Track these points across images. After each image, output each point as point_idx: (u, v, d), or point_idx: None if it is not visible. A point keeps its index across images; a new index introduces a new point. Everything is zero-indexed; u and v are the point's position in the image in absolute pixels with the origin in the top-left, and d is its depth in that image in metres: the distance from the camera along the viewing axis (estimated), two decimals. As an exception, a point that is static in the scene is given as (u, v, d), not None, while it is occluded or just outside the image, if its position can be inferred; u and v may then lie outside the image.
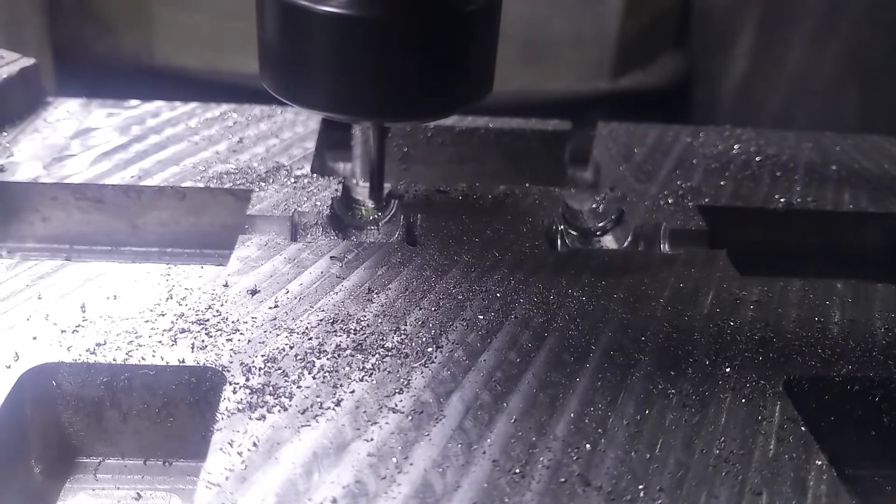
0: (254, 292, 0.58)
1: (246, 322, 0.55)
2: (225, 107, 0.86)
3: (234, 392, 0.48)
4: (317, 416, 0.47)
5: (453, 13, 0.58)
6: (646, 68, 1.44)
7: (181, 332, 0.53)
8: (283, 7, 0.57)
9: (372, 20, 0.55)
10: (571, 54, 1.39)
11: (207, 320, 0.55)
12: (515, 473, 0.44)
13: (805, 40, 1.31)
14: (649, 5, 1.41)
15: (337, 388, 0.49)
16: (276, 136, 0.80)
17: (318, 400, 0.48)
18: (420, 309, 0.57)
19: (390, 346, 0.53)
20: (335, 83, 0.58)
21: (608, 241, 0.73)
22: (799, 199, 0.75)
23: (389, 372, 0.51)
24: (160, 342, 0.53)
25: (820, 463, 0.47)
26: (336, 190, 0.70)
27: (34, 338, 0.52)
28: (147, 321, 0.54)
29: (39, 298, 0.56)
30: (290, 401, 0.48)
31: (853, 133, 0.90)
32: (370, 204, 0.71)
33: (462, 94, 0.62)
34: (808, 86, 1.32)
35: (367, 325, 0.55)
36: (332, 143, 0.86)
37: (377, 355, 0.52)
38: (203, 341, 0.53)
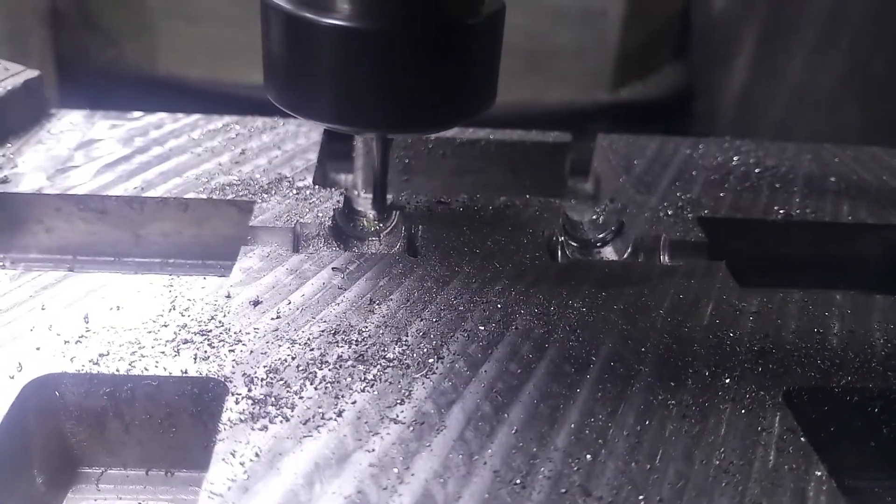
0: (256, 303, 0.58)
1: (248, 333, 0.55)
2: (228, 118, 0.86)
3: (237, 402, 0.49)
4: (318, 426, 0.47)
5: (456, 25, 0.58)
6: (646, 80, 1.44)
7: (184, 343, 0.54)
8: (288, 19, 0.57)
9: (376, 32, 0.56)
10: (572, 65, 1.39)
11: (210, 331, 0.55)
12: (516, 484, 0.44)
13: (805, 52, 1.31)
14: (650, 17, 1.42)
15: (338, 398, 0.50)
16: (278, 148, 0.81)
17: (320, 410, 0.49)
18: (421, 320, 0.57)
19: (392, 356, 0.54)
20: (339, 95, 0.58)
21: (608, 253, 0.73)
22: (798, 211, 0.75)
23: (391, 383, 0.51)
24: (163, 353, 0.53)
25: (820, 474, 0.47)
26: (338, 201, 0.71)
27: (37, 348, 0.53)
28: (150, 332, 0.55)
29: (43, 309, 0.57)
30: (292, 411, 0.48)
31: (853, 145, 0.91)
32: (372, 215, 0.72)
33: (465, 106, 0.62)
34: (809, 98, 1.33)
35: (369, 335, 0.55)
36: (334, 154, 0.86)
37: (378, 366, 0.53)
38: (206, 352, 0.53)
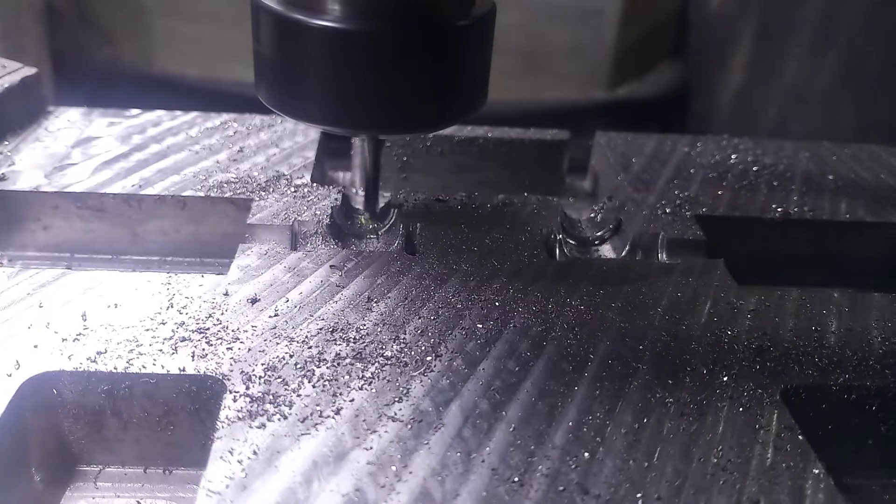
0: (254, 301, 0.58)
1: (246, 331, 0.55)
2: (225, 116, 0.86)
3: (235, 400, 0.49)
4: (316, 424, 0.47)
5: (446, 27, 0.58)
6: (643, 78, 1.44)
7: (182, 341, 0.54)
8: (278, 21, 0.57)
9: (365, 34, 0.56)
10: (569, 64, 1.39)
11: (208, 329, 0.55)
12: (514, 482, 0.45)
13: (802, 51, 1.32)
14: (646, 16, 1.42)
15: (336, 396, 0.50)
16: (276, 146, 0.81)
17: (318, 408, 0.49)
18: (419, 318, 0.57)
19: (389, 354, 0.54)
20: (329, 96, 0.58)
21: (606, 251, 0.73)
22: (796, 209, 0.75)
23: (389, 381, 0.51)
24: (161, 351, 0.53)
25: (817, 472, 0.47)
26: (336, 199, 0.71)
27: (35, 346, 0.53)
28: (148, 330, 0.55)
29: (40, 307, 0.57)
30: (290, 409, 0.48)
31: (849, 143, 0.91)
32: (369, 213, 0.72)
33: (456, 107, 0.62)
34: (805, 96, 1.33)
35: (367, 333, 0.55)
36: (331, 152, 0.86)
37: (376, 364, 0.53)
38: (203, 350, 0.53)
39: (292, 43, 0.57)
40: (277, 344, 0.54)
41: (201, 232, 0.72)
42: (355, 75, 0.57)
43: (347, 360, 0.53)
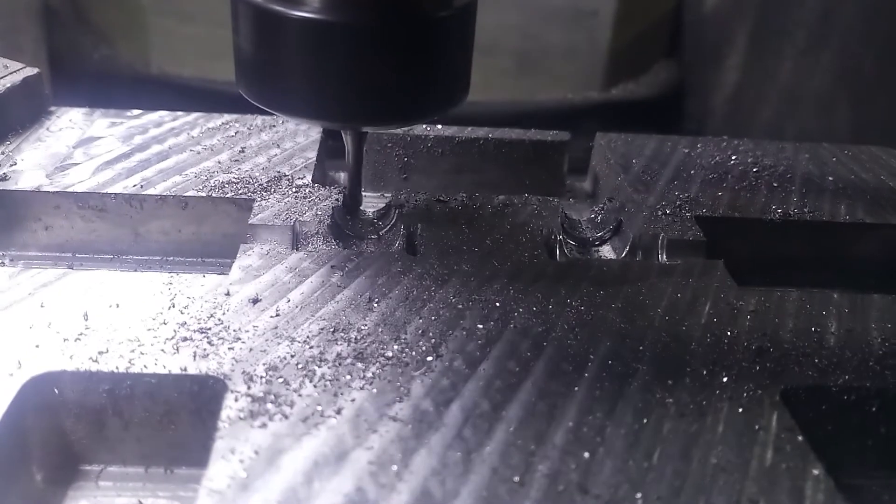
0: (255, 301, 0.58)
1: (247, 330, 0.55)
2: (227, 116, 0.87)
3: (236, 400, 0.49)
4: (318, 424, 0.47)
5: (426, 19, 0.58)
6: (638, 79, 1.44)
7: (183, 341, 0.54)
8: (257, 12, 0.57)
9: (344, 25, 0.55)
10: (564, 65, 1.39)
11: (209, 329, 0.55)
12: (514, 482, 0.45)
13: (797, 52, 1.32)
14: (641, 16, 1.42)
15: (337, 396, 0.50)
16: (277, 146, 0.81)
17: (319, 408, 0.49)
18: (420, 318, 0.57)
19: (390, 354, 0.54)
20: (308, 88, 0.58)
21: (606, 251, 0.73)
22: (796, 210, 0.75)
23: (389, 381, 0.51)
24: (162, 350, 0.53)
25: (817, 472, 0.47)
26: (337, 199, 0.71)
27: (37, 346, 0.53)
28: (149, 329, 0.55)
29: (42, 307, 0.57)
30: (291, 409, 0.48)
31: (848, 144, 0.91)
32: (370, 213, 0.72)
33: (436, 100, 0.62)
34: (800, 97, 1.33)
35: (368, 333, 0.55)
36: (333, 152, 0.86)
37: (377, 364, 0.53)
38: (205, 349, 0.53)
39: (270, 34, 0.57)
40: (279, 344, 0.54)
41: (203, 232, 0.72)
42: (334, 67, 0.57)
43: (348, 360, 0.53)
